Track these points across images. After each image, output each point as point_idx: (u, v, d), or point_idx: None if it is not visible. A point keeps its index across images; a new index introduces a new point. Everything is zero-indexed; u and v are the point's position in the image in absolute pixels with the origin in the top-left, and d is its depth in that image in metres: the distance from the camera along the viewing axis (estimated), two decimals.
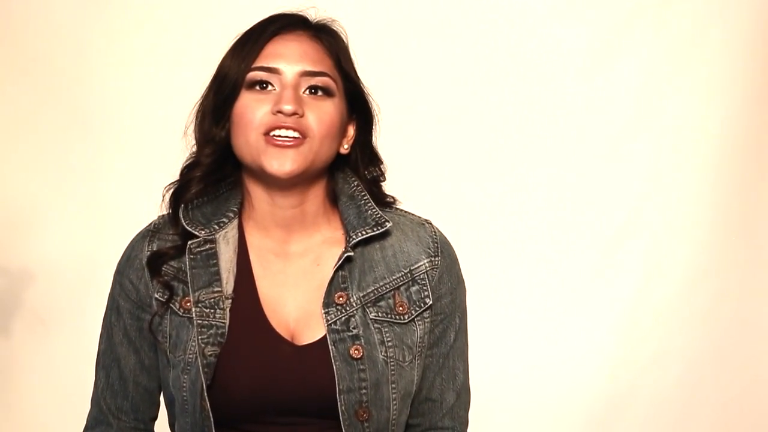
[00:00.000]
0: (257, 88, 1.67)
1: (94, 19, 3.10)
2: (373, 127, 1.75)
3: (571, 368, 3.08)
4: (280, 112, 1.64)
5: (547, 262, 3.09)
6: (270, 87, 1.67)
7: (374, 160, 1.77)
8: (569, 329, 3.09)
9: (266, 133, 1.65)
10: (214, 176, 1.71)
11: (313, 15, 1.74)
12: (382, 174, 1.78)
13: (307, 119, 1.65)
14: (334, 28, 1.74)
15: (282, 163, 1.64)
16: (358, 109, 1.73)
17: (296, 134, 1.65)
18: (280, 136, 1.65)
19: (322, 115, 1.66)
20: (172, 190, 1.73)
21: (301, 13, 1.74)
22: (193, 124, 1.74)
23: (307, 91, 1.67)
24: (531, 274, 3.09)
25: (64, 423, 3.03)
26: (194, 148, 1.74)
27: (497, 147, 3.09)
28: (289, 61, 1.67)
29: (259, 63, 1.67)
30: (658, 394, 3.09)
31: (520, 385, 3.09)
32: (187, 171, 1.72)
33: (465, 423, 1.80)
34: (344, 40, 1.74)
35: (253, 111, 1.66)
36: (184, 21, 3.08)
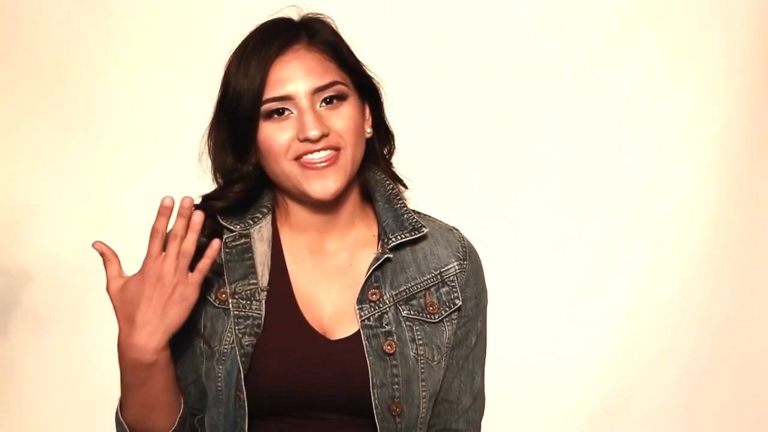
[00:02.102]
0: (275, 116, 1.67)
1: (95, 20, 3.10)
2: (382, 101, 1.76)
3: (571, 368, 3.10)
4: (307, 139, 1.65)
5: (548, 262, 3.11)
6: (287, 112, 1.67)
7: (388, 134, 1.79)
8: (569, 329, 3.10)
9: (298, 158, 1.66)
10: (241, 203, 1.71)
11: (296, 14, 1.73)
12: (393, 146, 1.79)
13: (335, 133, 1.66)
14: (322, 21, 1.73)
15: (324, 185, 1.66)
16: (367, 91, 1.74)
17: (329, 152, 1.66)
18: (314, 159, 1.66)
19: (346, 121, 1.68)
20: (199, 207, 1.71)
21: (286, 17, 1.73)
22: (207, 152, 1.72)
23: (323, 104, 1.68)
24: (531, 273, 3.11)
25: (63, 422, 3.03)
26: (210, 162, 1.73)
27: (497, 148, 3.10)
28: (298, 82, 1.66)
29: (269, 94, 1.66)
30: (658, 394, 3.10)
31: (520, 385, 3.09)
32: (210, 198, 1.71)
33: (478, 428, 1.82)
34: (334, 29, 1.73)
35: (279, 141, 1.66)
36: (186, 23, 3.08)
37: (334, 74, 1.68)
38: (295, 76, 1.66)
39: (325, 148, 1.66)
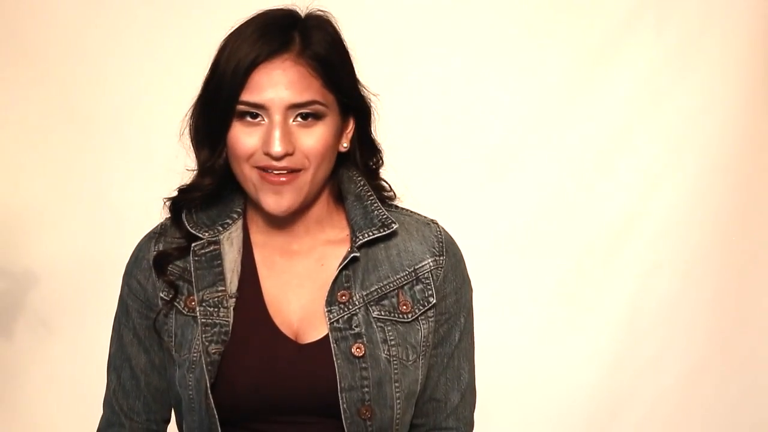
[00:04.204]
0: (248, 118, 1.64)
1: (98, 21, 3.11)
2: (371, 119, 1.73)
3: (571, 368, 3.10)
4: (268, 154, 1.62)
5: (547, 262, 3.10)
6: (259, 117, 1.64)
7: (373, 149, 1.75)
8: (569, 329, 3.10)
9: (259, 168, 1.65)
10: (214, 194, 1.71)
11: (302, 7, 1.70)
12: (381, 159, 1.76)
13: (300, 153, 1.63)
14: (323, 29, 1.68)
15: (278, 201, 1.64)
16: (354, 108, 1.71)
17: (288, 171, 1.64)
18: (272, 174, 1.64)
19: (314, 143, 1.64)
20: (171, 202, 1.72)
21: (292, 9, 1.70)
22: (188, 133, 1.71)
23: (299, 118, 1.64)
24: (531, 274, 3.10)
25: (65, 424, 3.06)
26: (191, 146, 1.72)
27: (498, 147, 3.10)
28: (276, 93, 1.62)
29: (245, 97, 1.63)
30: (658, 394, 3.10)
31: (519, 385, 3.09)
32: (186, 191, 1.71)
33: (470, 424, 1.80)
34: (334, 37, 1.69)
35: (244, 145, 1.64)
36: (188, 22, 3.08)
37: (315, 92, 1.64)
38: (275, 87, 1.63)
39: (286, 168, 1.63)
